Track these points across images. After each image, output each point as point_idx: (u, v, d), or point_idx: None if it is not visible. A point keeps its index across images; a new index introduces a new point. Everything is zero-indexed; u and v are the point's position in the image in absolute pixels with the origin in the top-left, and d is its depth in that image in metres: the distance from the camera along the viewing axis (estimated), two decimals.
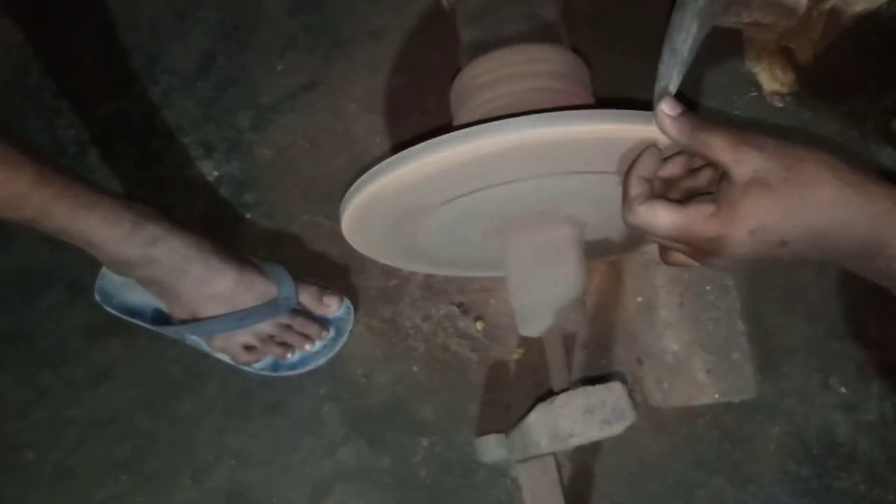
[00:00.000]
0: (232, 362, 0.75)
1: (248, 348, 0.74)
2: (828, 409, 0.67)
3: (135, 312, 0.76)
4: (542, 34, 0.64)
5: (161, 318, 0.76)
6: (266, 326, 0.73)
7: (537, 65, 0.61)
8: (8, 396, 0.80)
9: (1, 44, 0.95)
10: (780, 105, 0.76)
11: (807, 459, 0.66)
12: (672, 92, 0.47)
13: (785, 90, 0.76)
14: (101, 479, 0.76)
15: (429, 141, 0.49)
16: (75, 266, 0.84)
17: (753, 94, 0.77)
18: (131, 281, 0.74)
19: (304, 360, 0.75)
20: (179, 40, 0.93)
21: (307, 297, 0.75)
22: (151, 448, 0.76)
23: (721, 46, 0.78)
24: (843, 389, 0.68)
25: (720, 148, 0.42)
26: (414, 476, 0.71)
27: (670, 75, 0.46)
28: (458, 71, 0.65)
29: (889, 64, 0.73)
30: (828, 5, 0.72)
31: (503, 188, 0.56)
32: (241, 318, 0.71)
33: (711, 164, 0.44)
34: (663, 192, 0.48)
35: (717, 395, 0.67)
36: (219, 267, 0.71)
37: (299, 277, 0.75)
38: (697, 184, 0.48)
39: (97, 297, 0.78)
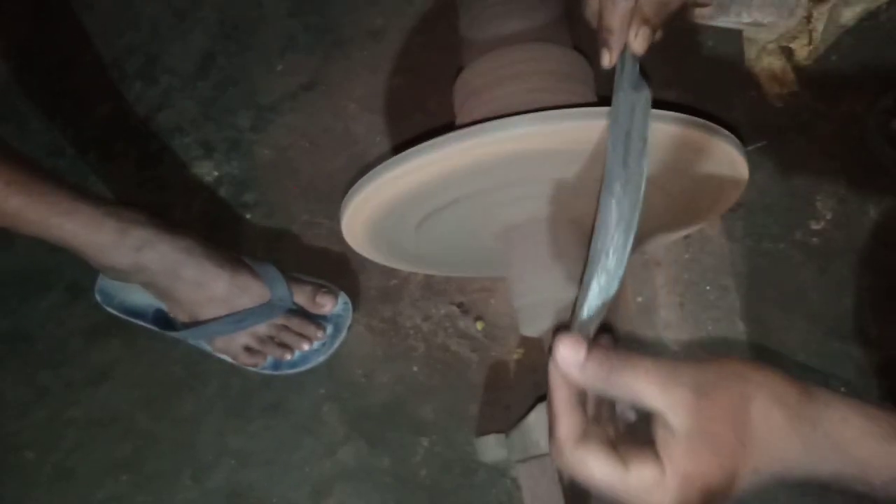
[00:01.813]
0: (234, 362, 0.75)
1: (249, 350, 0.74)
2: None
3: (136, 313, 0.76)
4: (544, 33, 0.64)
5: (162, 318, 0.76)
6: (264, 328, 0.73)
7: (539, 64, 0.61)
8: (8, 396, 0.80)
9: (1, 44, 0.95)
10: (780, 105, 0.76)
11: None
12: (583, 321, 0.41)
13: (785, 90, 0.76)
14: (101, 479, 0.76)
15: (429, 141, 0.49)
16: (75, 266, 0.83)
17: (753, 94, 0.77)
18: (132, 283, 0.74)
19: (304, 358, 0.75)
20: (179, 40, 0.93)
21: (302, 297, 0.75)
22: (151, 448, 0.76)
23: (721, 46, 0.78)
24: (843, 389, 0.68)
25: (647, 394, 0.37)
26: (414, 476, 0.71)
27: (570, 310, 0.42)
28: (459, 70, 0.65)
29: (889, 64, 0.73)
30: (828, 5, 0.72)
31: (504, 188, 0.56)
32: (240, 319, 0.71)
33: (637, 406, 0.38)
34: (596, 414, 0.42)
35: None
36: (211, 270, 0.71)
37: (294, 277, 0.75)
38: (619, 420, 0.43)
39: (98, 298, 0.78)
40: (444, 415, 0.73)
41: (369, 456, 0.73)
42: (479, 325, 0.75)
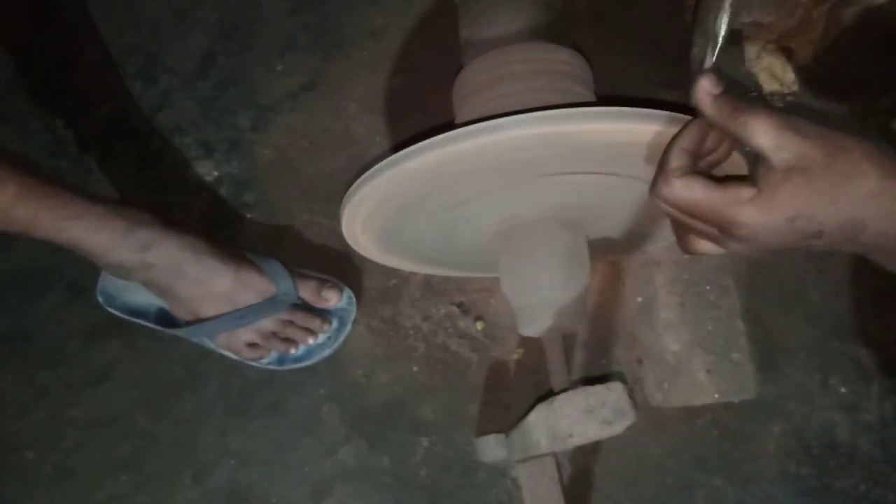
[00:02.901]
0: (237, 358, 0.75)
1: (252, 346, 0.74)
2: (828, 409, 0.67)
3: (138, 312, 0.76)
4: (543, 33, 0.64)
5: (165, 318, 0.75)
6: (268, 323, 0.73)
7: (539, 64, 0.61)
8: (8, 396, 0.80)
9: (1, 44, 0.95)
10: (780, 105, 0.76)
11: (807, 459, 0.66)
12: (709, 70, 0.45)
13: (785, 90, 0.76)
14: (101, 480, 0.76)
15: (428, 140, 0.49)
16: (75, 266, 0.84)
17: (753, 94, 0.77)
18: (133, 282, 0.74)
19: (309, 353, 0.75)
20: (179, 40, 0.93)
21: (306, 292, 0.75)
22: (151, 448, 0.76)
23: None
24: (843, 389, 0.68)
25: (761, 131, 0.41)
26: (414, 476, 0.71)
27: (704, 54, 0.46)
28: (459, 70, 0.65)
29: (889, 64, 0.73)
30: (828, 5, 0.72)
31: (504, 187, 0.56)
32: (242, 316, 0.71)
33: (750, 147, 0.42)
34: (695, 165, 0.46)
35: (717, 395, 0.67)
36: (215, 267, 0.71)
37: (298, 272, 0.75)
38: (717, 158, 0.47)
39: (99, 299, 0.78)
40: (444, 415, 0.73)
41: (369, 456, 0.73)
42: (479, 325, 0.75)
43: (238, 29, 0.92)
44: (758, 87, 0.77)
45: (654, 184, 0.45)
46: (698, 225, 0.45)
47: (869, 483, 0.65)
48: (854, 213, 0.40)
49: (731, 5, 0.45)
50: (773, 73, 0.76)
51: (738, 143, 0.45)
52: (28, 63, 0.95)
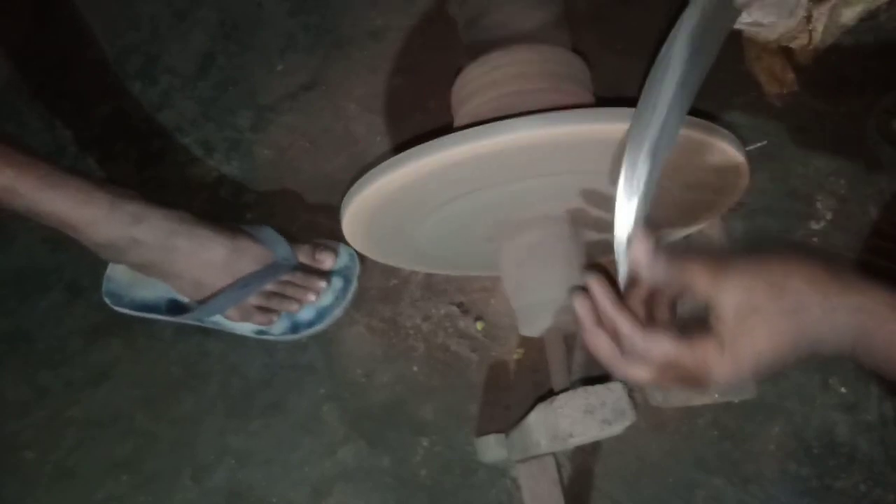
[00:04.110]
0: (254, 334, 0.75)
1: (260, 309, 0.74)
2: (828, 409, 0.67)
3: (148, 307, 0.76)
4: (542, 35, 0.64)
5: (176, 307, 0.75)
6: (270, 286, 0.73)
7: (538, 65, 0.61)
8: (8, 396, 0.80)
9: (1, 44, 0.95)
10: (780, 105, 0.76)
11: (807, 459, 0.66)
12: (639, 225, 0.47)
13: (785, 90, 0.76)
14: (101, 479, 0.76)
15: (429, 142, 0.49)
16: (75, 266, 0.84)
17: (753, 94, 0.77)
18: (138, 278, 0.74)
19: (320, 315, 0.75)
20: (179, 40, 0.93)
21: (303, 256, 0.75)
22: (151, 448, 0.76)
23: (721, 46, 0.78)
24: (843, 389, 0.68)
25: (700, 283, 0.43)
26: (414, 476, 0.71)
27: (633, 210, 0.47)
28: (458, 71, 0.65)
29: (889, 64, 0.73)
30: (828, 5, 0.72)
31: (503, 188, 0.56)
32: (245, 284, 0.72)
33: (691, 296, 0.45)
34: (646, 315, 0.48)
35: (717, 395, 0.67)
36: (207, 236, 0.70)
37: (292, 238, 0.75)
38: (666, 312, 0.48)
39: (107, 301, 0.78)
40: (444, 415, 0.73)
41: (369, 456, 0.73)
42: (479, 325, 0.75)
43: (238, 29, 0.92)
44: (758, 87, 0.77)
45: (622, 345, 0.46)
46: (665, 374, 0.46)
47: (869, 483, 0.65)
48: (807, 338, 0.42)
49: (654, 163, 0.46)
50: (773, 73, 0.76)
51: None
52: (28, 63, 0.95)
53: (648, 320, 0.47)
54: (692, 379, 0.45)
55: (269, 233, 0.74)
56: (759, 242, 0.70)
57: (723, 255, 0.43)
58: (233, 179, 0.85)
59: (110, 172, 0.88)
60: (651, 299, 0.48)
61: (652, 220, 0.47)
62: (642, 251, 0.45)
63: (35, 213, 0.64)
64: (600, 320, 0.48)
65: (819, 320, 0.41)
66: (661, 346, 0.44)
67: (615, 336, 0.47)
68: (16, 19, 0.97)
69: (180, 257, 0.70)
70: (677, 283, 0.44)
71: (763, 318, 0.41)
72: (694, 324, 0.45)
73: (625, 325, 0.46)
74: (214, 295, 0.72)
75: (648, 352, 0.45)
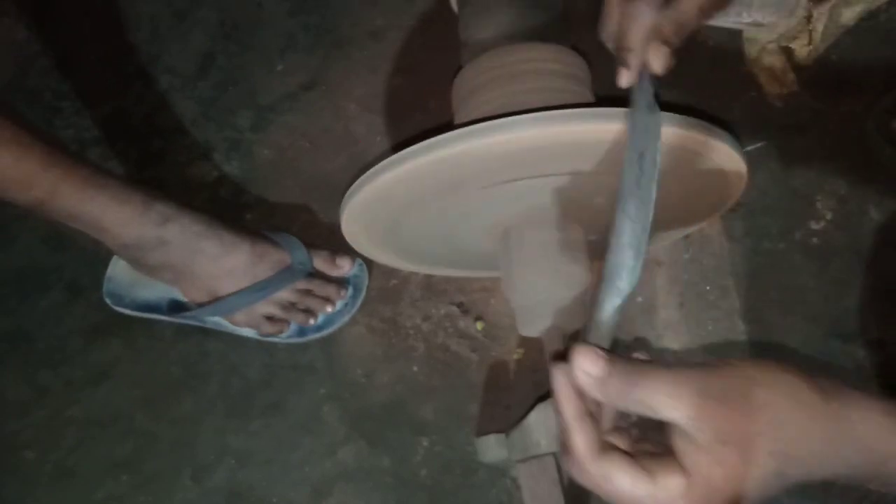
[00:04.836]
0: (257, 337, 0.75)
1: (271, 319, 0.74)
2: None
3: (150, 307, 0.76)
4: (542, 33, 0.64)
5: (178, 307, 0.75)
6: (286, 294, 0.73)
7: (538, 64, 0.61)
8: (8, 396, 0.80)
9: (1, 44, 0.95)
10: (780, 105, 0.76)
11: None
12: (597, 337, 0.42)
13: (785, 90, 0.76)
14: (101, 479, 0.76)
15: (428, 140, 0.49)
16: (75, 266, 0.84)
17: (753, 94, 0.77)
18: (139, 278, 0.74)
19: (328, 321, 0.75)
20: (179, 40, 0.93)
21: (319, 262, 0.75)
22: (151, 448, 0.76)
23: (721, 46, 0.78)
24: None
25: (665, 406, 0.36)
26: (414, 476, 0.71)
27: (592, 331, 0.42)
28: (458, 70, 0.65)
29: (889, 64, 0.73)
30: (828, 5, 0.73)
31: (503, 188, 0.56)
32: (260, 289, 0.72)
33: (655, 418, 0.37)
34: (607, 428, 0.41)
35: None
36: (232, 241, 0.71)
37: (309, 244, 0.75)
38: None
39: (107, 301, 0.77)
40: (444, 415, 0.73)
41: (369, 456, 0.73)
42: (479, 325, 0.75)
43: (238, 29, 0.92)
44: (758, 87, 0.77)
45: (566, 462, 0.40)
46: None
47: None
48: (789, 466, 0.36)
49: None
50: (773, 73, 0.76)
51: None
52: (28, 63, 0.95)
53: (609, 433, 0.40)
54: None
55: (287, 238, 0.74)
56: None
57: (685, 371, 0.37)
58: (233, 179, 0.85)
59: (110, 172, 0.88)
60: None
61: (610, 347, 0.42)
62: (590, 369, 0.38)
63: (71, 215, 0.64)
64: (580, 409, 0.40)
65: (810, 453, 0.36)
66: (617, 480, 0.37)
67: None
68: (16, 19, 0.97)
69: (203, 259, 0.70)
70: (638, 406, 0.37)
71: (741, 452, 0.35)
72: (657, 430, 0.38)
73: (578, 440, 0.38)
74: (228, 295, 0.72)
75: (602, 481, 0.38)
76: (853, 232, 0.70)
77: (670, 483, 0.36)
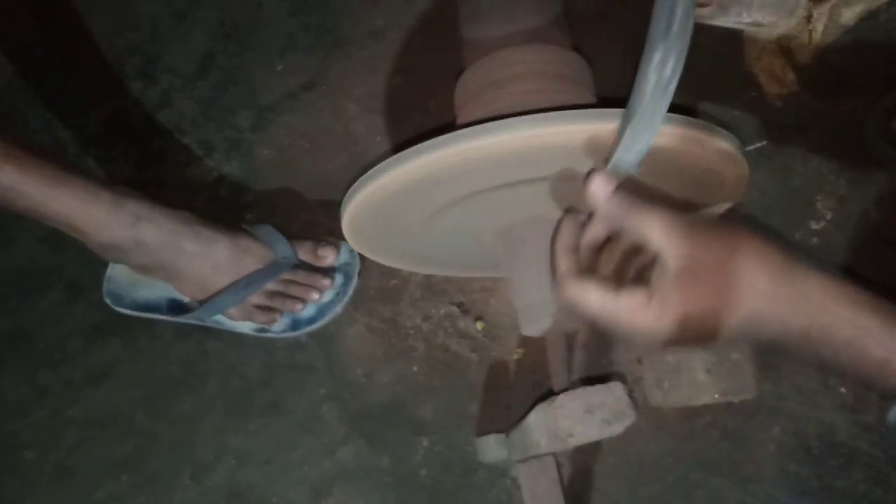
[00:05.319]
0: (255, 332, 0.75)
1: (261, 308, 0.74)
2: (828, 409, 0.67)
3: (149, 307, 0.76)
4: (543, 34, 0.64)
5: (178, 307, 0.75)
6: (272, 285, 0.73)
7: (539, 65, 0.61)
8: (8, 396, 0.81)
9: (1, 44, 0.95)
10: (780, 105, 0.76)
11: (807, 459, 0.66)
12: (629, 164, 0.45)
13: (785, 90, 0.76)
14: (101, 479, 0.76)
15: (430, 140, 0.49)
16: (75, 266, 0.84)
17: (753, 94, 0.77)
18: (139, 278, 0.74)
19: (321, 312, 0.75)
20: (179, 40, 0.93)
21: (304, 253, 0.75)
22: (151, 448, 0.76)
23: (721, 46, 0.78)
24: (842, 389, 0.68)
25: (655, 231, 0.41)
26: (414, 476, 0.71)
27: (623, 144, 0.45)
28: (460, 71, 0.65)
29: (889, 64, 0.73)
30: (828, 5, 0.73)
31: (503, 188, 0.56)
32: (248, 283, 0.72)
33: (641, 244, 0.43)
34: (592, 262, 0.47)
35: (717, 395, 0.67)
36: (211, 236, 0.71)
37: (292, 235, 0.75)
38: (620, 263, 0.47)
39: (107, 301, 0.77)
40: (444, 415, 0.73)
41: (369, 456, 0.73)
42: (479, 325, 0.75)
43: (238, 29, 0.92)
44: (758, 87, 0.77)
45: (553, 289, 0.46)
46: (597, 323, 0.45)
47: (869, 483, 0.65)
48: (748, 315, 0.40)
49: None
50: (773, 73, 0.76)
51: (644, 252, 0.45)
52: (28, 63, 0.95)
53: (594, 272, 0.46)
54: (626, 334, 0.43)
55: (269, 231, 0.74)
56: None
57: (682, 213, 0.42)
58: (233, 179, 0.85)
59: (110, 172, 0.88)
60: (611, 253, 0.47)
61: (631, 180, 0.45)
62: (601, 184, 0.44)
63: (38, 213, 0.64)
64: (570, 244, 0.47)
65: (760, 301, 0.40)
66: (589, 296, 0.43)
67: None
68: (16, 19, 0.97)
69: (184, 257, 0.70)
70: (632, 225, 0.42)
71: (700, 281, 0.40)
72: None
73: (561, 265, 0.45)
74: (217, 294, 0.72)
75: (579, 297, 0.44)
76: (853, 232, 0.70)
77: (633, 297, 0.42)
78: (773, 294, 0.40)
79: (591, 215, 0.46)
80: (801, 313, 0.40)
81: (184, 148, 0.87)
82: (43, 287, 0.84)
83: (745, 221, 0.69)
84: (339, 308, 0.76)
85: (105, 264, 0.78)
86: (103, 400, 0.79)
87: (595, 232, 0.46)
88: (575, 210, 0.48)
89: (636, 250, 0.45)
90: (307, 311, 0.75)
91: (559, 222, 0.47)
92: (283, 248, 0.74)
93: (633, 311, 0.42)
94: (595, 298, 0.43)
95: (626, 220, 0.43)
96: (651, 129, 0.44)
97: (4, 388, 0.81)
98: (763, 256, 0.41)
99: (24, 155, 0.62)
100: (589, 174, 0.44)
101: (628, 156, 0.45)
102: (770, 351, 0.70)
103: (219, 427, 0.76)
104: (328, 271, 0.75)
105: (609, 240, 0.47)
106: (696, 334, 0.41)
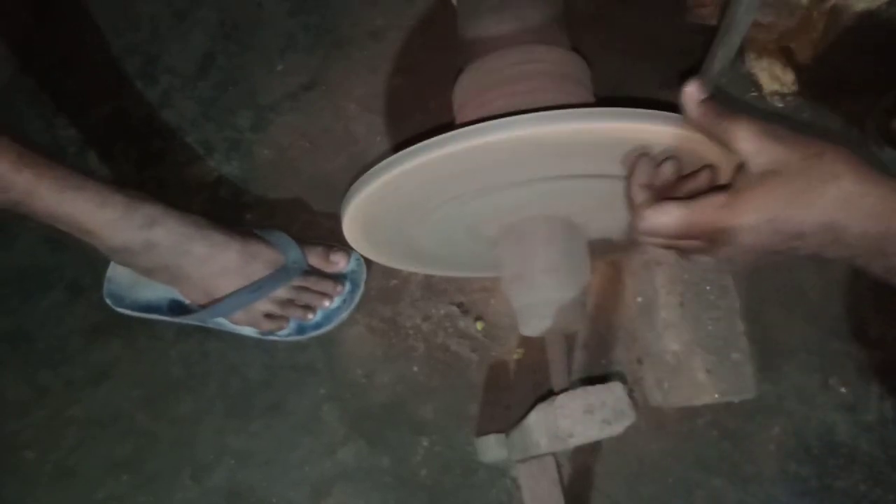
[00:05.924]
0: (257, 335, 0.75)
1: (270, 316, 0.74)
2: (828, 409, 0.67)
3: (150, 308, 0.76)
4: (543, 34, 0.64)
5: (178, 308, 0.75)
6: (282, 292, 0.73)
7: (539, 65, 0.61)
8: (8, 396, 0.80)
9: (1, 44, 0.95)
10: (780, 105, 0.76)
11: (807, 459, 0.66)
12: (712, 76, 0.47)
13: (785, 90, 0.76)
14: (101, 479, 0.76)
15: (429, 140, 0.49)
16: (75, 266, 0.84)
17: (753, 94, 0.77)
18: (139, 279, 0.74)
19: (327, 318, 0.75)
20: (179, 40, 0.93)
21: (314, 258, 0.75)
22: (151, 448, 0.76)
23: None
24: (843, 389, 0.68)
25: (742, 137, 0.42)
26: (414, 476, 0.71)
27: (715, 60, 0.48)
28: (459, 71, 0.65)
29: (889, 64, 0.73)
30: (828, 5, 0.72)
31: (503, 188, 0.56)
32: (256, 288, 0.72)
33: (731, 151, 0.44)
34: (665, 195, 0.48)
35: (717, 395, 0.67)
36: (221, 241, 0.70)
37: (304, 240, 0.75)
38: (697, 185, 0.48)
39: (108, 302, 0.77)
40: (444, 415, 0.73)
41: (369, 456, 0.73)
42: (479, 325, 0.75)
43: (238, 29, 0.92)
44: (758, 87, 0.77)
45: (631, 224, 0.48)
46: (683, 244, 0.46)
47: (869, 483, 0.65)
48: (832, 214, 0.40)
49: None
50: (773, 73, 0.76)
51: (717, 172, 0.48)
52: (28, 63, 0.95)
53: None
54: (700, 238, 0.45)
55: (280, 236, 0.74)
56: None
57: (776, 125, 0.43)
58: (233, 179, 0.85)
59: (110, 172, 0.88)
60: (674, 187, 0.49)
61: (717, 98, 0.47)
62: (696, 90, 0.45)
63: (52, 216, 0.64)
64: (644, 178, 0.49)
65: (845, 201, 0.40)
66: (670, 213, 0.45)
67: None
68: (16, 19, 0.97)
69: (194, 261, 0.70)
70: (721, 132, 0.44)
71: (787, 182, 0.41)
72: None
73: (638, 197, 0.48)
74: (222, 298, 0.72)
75: (658, 220, 0.45)
76: None
77: (713, 198, 0.43)
78: (858, 194, 0.40)
79: (662, 158, 0.49)
80: (882, 216, 0.40)
81: (184, 148, 0.87)
82: (44, 287, 0.84)
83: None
84: (345, 314, 0.76)
85: (106, 264, 0.78)
86: (103, 400, 0.79)
87: (667, 169, 0.49)
88: (648, 154, 0.50)
89: (702, 190, 0.47)
90: (314, 317, 0.75)
91: (634, 162, 0.49)
92: (293, 252, 0.73)
93: (713, 212, 0.43)
94: (676, 212, 0.45)
95: (716, 124, 0.44)
96: (734, 42, 0.48)
97: (4, 388, 0.81)
98: (850, 160, 0.41)
99: (40, 158, 0.62)
100: (684, 82, 0.46)
101: (718, 65, 0.48)
102: (770, 351, 0.70)
103: (219, 427, 0.76)
104: (338, 277, 0.76)
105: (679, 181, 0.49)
106: (781, 235, 0.42)
